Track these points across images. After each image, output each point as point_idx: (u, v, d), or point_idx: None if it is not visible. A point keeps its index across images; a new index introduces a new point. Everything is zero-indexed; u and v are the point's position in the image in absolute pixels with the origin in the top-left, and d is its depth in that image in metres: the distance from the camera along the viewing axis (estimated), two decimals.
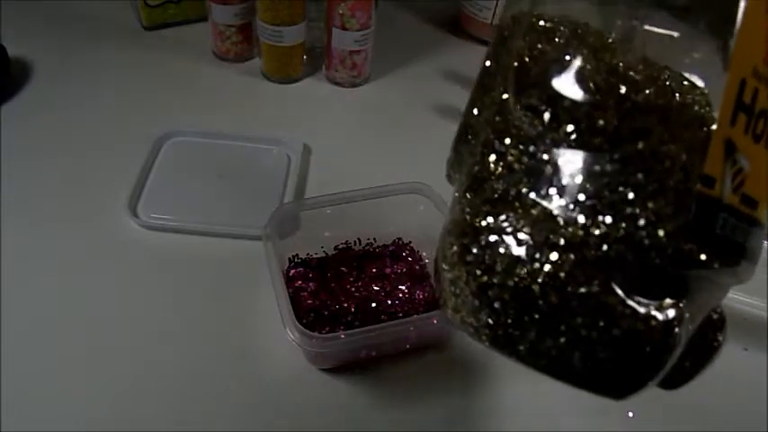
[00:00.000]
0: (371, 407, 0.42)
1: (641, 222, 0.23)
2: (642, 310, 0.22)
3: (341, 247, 0.49)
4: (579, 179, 0.24)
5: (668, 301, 0.22)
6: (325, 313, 0.44)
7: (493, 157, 0.26)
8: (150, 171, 0.55)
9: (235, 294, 0.47)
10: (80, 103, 0.62)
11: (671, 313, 0.22)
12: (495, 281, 0.23)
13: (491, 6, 0.69)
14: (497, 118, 0.26)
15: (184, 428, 0.40)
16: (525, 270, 0.23)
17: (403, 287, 0.47)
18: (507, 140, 0.25)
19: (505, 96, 0.26)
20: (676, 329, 0.22)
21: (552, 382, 0.23)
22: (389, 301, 0.46)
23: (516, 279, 0.23)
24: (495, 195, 0.25)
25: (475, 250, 0.24)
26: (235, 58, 0.68)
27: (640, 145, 0.24)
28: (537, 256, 0.23)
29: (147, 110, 0.62)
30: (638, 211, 0.23)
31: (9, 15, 0.70)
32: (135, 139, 0.56)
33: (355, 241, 0.49)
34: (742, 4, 0.23)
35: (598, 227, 0.23)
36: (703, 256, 0.22)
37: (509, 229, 0.24)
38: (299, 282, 0.46)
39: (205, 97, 0.64)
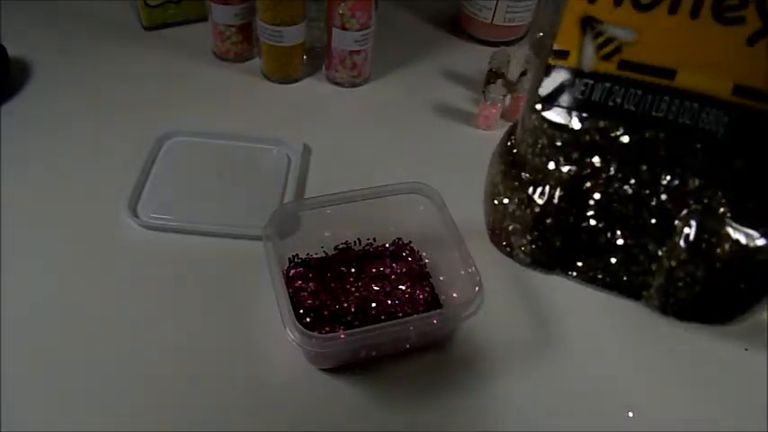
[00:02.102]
0: (371, 407, 0.42)
1: None
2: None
3: (341, 247, 0.49)
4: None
5: None
6: (325, 313, 0.44)
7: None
8: (150, 171, 0.55)
9: (235, 294, 0.47)
10: (80, 103, 0.62)
11: None
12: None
13: (491, 6, 0.69)
14: None
15: (185, 429, 0.40)
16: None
17: (403, 287, 0.47)
18: None
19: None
20: None
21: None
22: (389, 301, 0.46)
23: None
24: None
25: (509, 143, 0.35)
26: (235, 58, 0.68)
27: None
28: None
29: (147, 110, 0.62)
30: None
31: (9, 15, 0.70)
32: (135, 139, 0.56)
33: (355, 241, 0.49)
34: None
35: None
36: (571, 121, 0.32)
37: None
38: (299, 282, 0.46)
39: (205, 97, 0.64)
